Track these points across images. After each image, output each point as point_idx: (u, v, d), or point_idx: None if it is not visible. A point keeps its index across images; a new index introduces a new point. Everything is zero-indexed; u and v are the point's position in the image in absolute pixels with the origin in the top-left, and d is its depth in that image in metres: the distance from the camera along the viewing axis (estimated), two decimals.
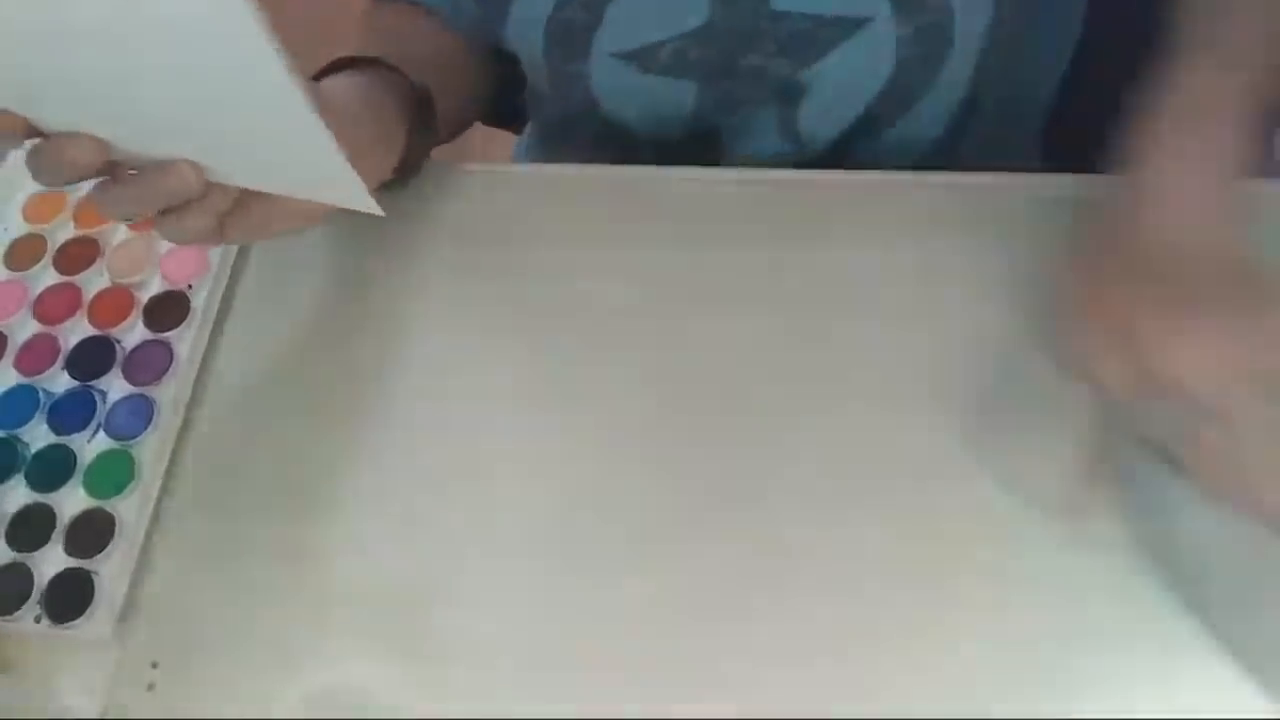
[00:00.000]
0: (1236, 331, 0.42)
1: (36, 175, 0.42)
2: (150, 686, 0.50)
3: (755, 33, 0.58)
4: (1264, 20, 0.48)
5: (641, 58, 0.60)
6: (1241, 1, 0.49)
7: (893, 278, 0.55)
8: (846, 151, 0.64)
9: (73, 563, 0.53)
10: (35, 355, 0.59)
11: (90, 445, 0.56)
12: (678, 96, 0.62)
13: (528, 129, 0.80)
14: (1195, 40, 0.48)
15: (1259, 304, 0.43)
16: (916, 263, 0.56)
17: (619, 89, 0.62)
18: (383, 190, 0.57)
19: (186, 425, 0.56)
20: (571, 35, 0.60)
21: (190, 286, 0.60)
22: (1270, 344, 0.42)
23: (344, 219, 0.63)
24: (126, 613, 0.52)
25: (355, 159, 0.40)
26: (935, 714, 0.45)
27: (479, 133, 0.95)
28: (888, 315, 0.54)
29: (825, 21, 0.57)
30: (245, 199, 0.46)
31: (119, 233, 0.62)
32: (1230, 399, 0.41)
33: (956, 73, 0.60)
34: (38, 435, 0.56)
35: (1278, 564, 0.43)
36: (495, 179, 0.63)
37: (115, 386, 0.57)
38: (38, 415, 0.57)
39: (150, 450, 0.55)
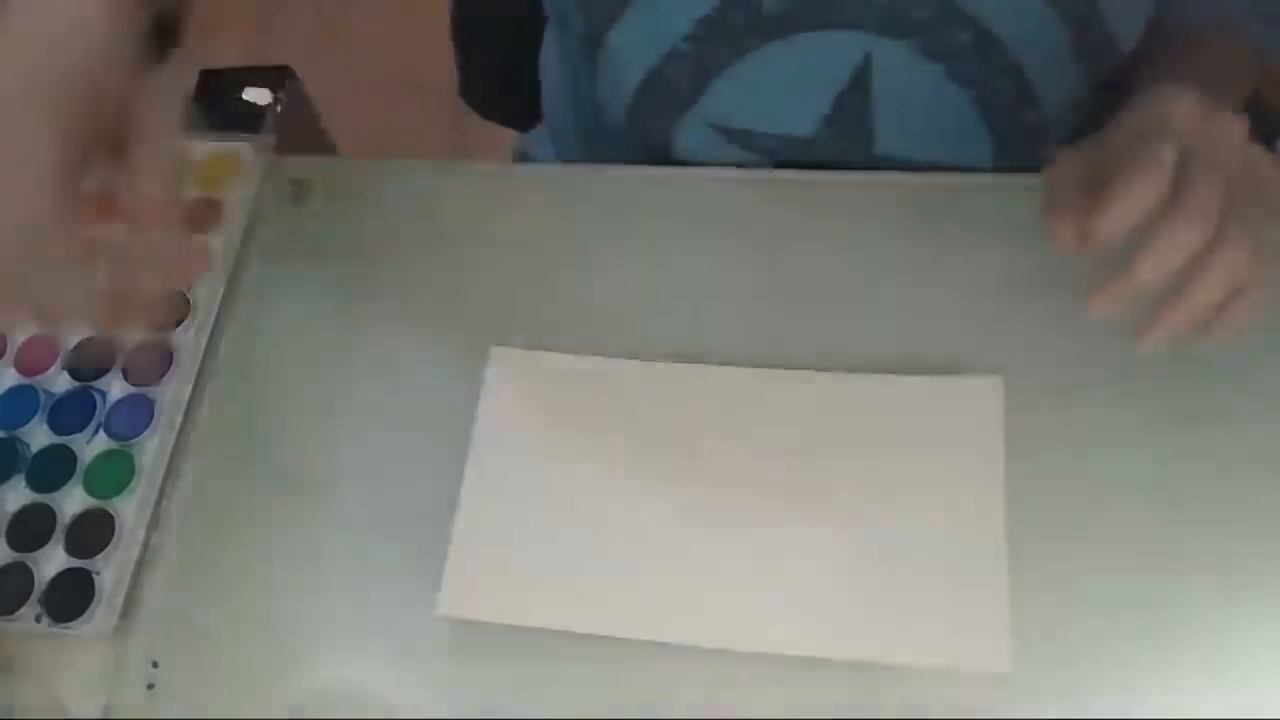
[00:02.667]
0: None
1: None
2: (150, 686, 0.50)
3: (852, 162, 0.59)
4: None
5: (737, 136, 0.60)
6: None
7: (893, 277, 0.56)
8: None
9: (73, 563, 0.53)
10: (35, 355, 0.59)
11: (90, 445, 0.56)
12: (754, 162, 0.62)
13: (543, 126, 0.79)
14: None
15: None
16: (916, 262, 0.56)
17: (700, 148, 0.61)
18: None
19: (186, 425, 0.56)
20: (669, 96, 0.59)
21: (190, 286, 0.60)
22: None
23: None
24: (126, 613, 0.52)
25: None
26: None
27: (479, 132, 0.95)
28: (887, 314, 0.55)
29: (922, 165, 0.59)
30: None
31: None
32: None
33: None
34: (38, 435, 0.56)
35: None
36: (495, 179, 0.63)
37: (115, 386, 0.57)
38: (38, 415, 0.57)
39: (150, 450, 0.55)
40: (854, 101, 0.57)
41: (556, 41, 0.71)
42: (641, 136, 0.63)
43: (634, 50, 0.58)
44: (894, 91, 0.56)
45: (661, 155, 0.63)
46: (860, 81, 0.56)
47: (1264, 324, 0.52)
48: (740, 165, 0.61)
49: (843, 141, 0.59)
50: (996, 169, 0.60)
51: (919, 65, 0.55)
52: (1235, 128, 0.44)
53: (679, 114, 0.60)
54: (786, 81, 0.57)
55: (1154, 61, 0.56)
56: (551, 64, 0.74)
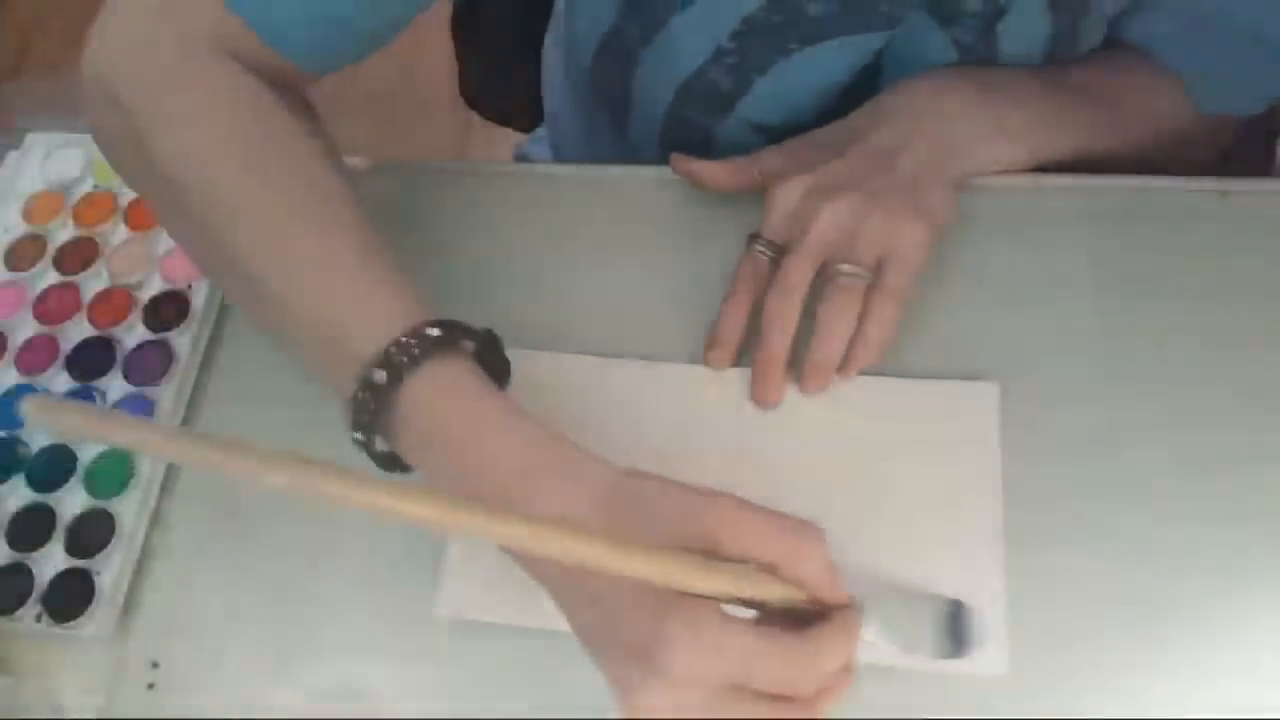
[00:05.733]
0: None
1: None
2: (150, 686, 0.50)
3: None
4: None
5: (775, 134, 0.60)
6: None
7: None
8: None
9: (73, 563, 0.53)
10: (35, 355, 0.59)
11: (90, 445, 0.56)
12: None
13: (544, 128, 0.79)
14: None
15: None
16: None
17: (738, 147, 0.61)
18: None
19: (186, 425, 0.56)
20: (713, 95, 0.59)
21: (190, 286, 0.60)
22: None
23: None
24: (126, 613, 0.52)
25: None
26: None
27: (479, 132, 0.95)
28: None
29: None
30: None
31: (119, 233, 0.62)
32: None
33: None
34: (38, 435, 0.56)
35: None
36: (495, 179, 0.63)
37: (115, 386, 0.57)
38: None
39: None
40: (866, 81, 0.57)
41: (560, 47, 0.71)
42: (680, 134, 0.63)
43: (680, 49, 0.58)
44: (903, 62, 0.56)
45: (700, 154, 0.63)
46: (872, 63, 0.57)
47: (1264, 324, 0.52)
48: None
49: None
50: None
51: (931, 32, 0.55)
52: (836, 222, 0.51)
53: (721, 113, 0.60)
54: (822, 80, 0.57)
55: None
56: (554, 69, 0.74)
